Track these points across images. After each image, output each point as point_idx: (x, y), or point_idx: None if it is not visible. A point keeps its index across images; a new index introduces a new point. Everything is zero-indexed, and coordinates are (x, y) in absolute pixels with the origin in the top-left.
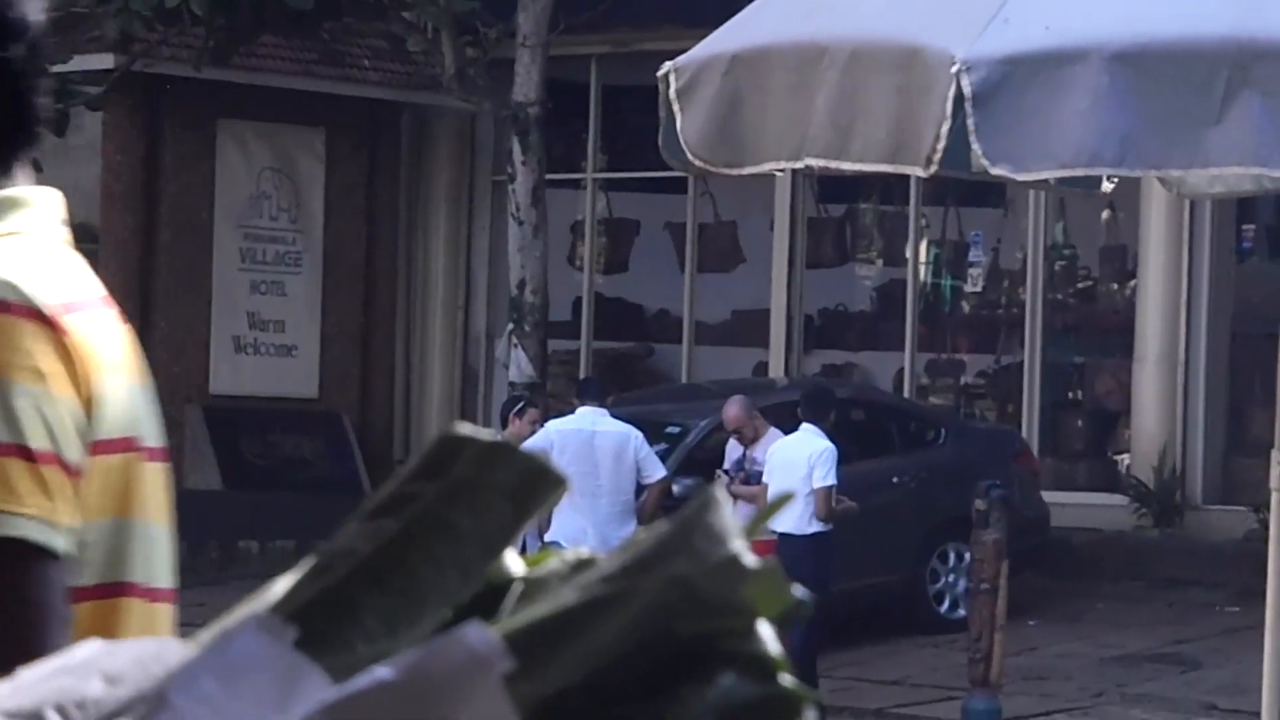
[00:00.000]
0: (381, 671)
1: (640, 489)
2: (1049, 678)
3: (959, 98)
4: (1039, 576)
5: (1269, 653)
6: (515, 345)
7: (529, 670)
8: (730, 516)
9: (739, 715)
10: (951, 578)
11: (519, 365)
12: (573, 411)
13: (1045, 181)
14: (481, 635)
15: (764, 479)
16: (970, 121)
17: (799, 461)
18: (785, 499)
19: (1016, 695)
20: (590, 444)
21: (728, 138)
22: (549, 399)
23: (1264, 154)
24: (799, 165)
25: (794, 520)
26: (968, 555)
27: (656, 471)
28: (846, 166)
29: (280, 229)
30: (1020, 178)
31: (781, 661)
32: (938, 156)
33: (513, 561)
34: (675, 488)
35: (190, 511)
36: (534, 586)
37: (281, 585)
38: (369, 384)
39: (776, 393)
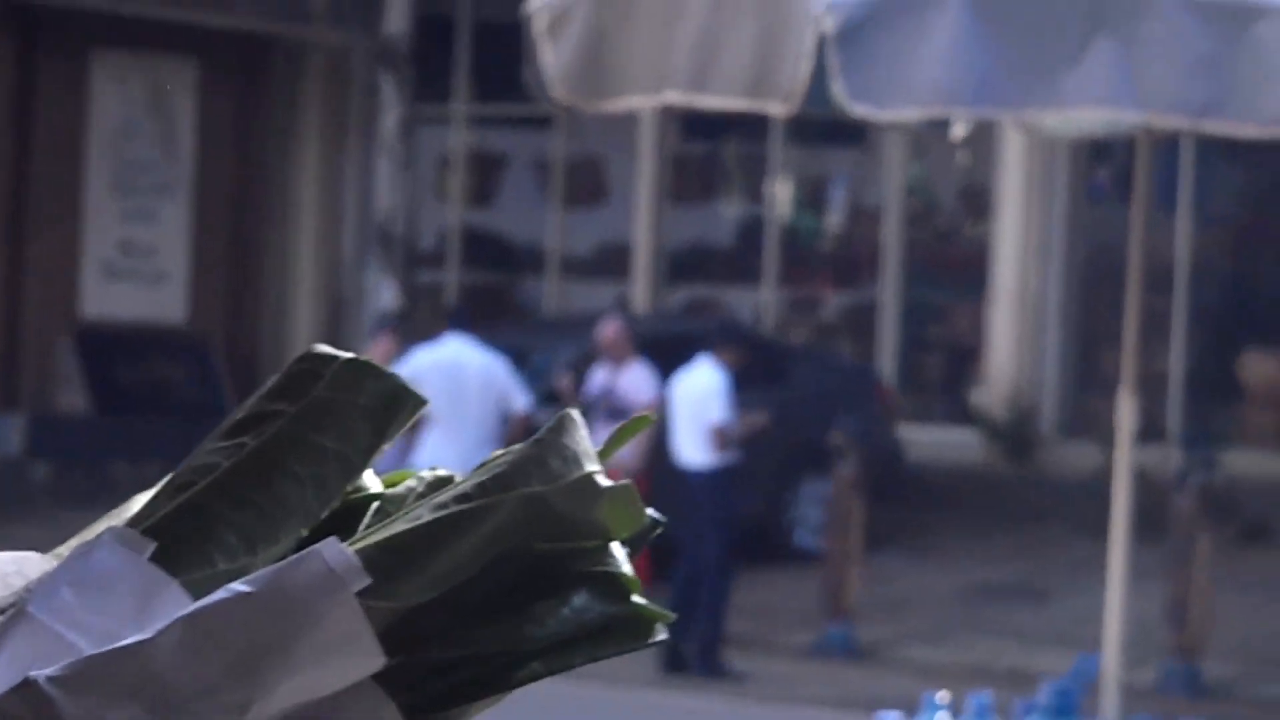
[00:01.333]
0: (238, 587)
1: (505, 418)
2: (903, 608)
3: (822, 38)
4: (894, 509)
5: (1111, 585)
6: (383, 276)
7: (384, 587)
8: (586, 439)
9: (592, 633)
10: (809, 510)
11: (386, 295)
12: (439, 340)
13: (897, 120)
14: (337, 552)
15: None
16: (834, 61)
17: (692, 396)
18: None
19: (871, 624)
20: (457, 373)
21: (592, 73)
22: (415, 329)
23: (1117, 95)
24: (659, 100)
25: (699, 453)
26: (826, 488)
27: (521, 400)
28: (707, 101)
29: (152, 158)
30: (881, 116)
31: (634, 581)
32: (798, 95)
33: (371, 480)
34: (540, 417)
35: (59, 435)
36: (391, 505)
37: (140, 501)
38: (239, 311)
39: (639, 325)
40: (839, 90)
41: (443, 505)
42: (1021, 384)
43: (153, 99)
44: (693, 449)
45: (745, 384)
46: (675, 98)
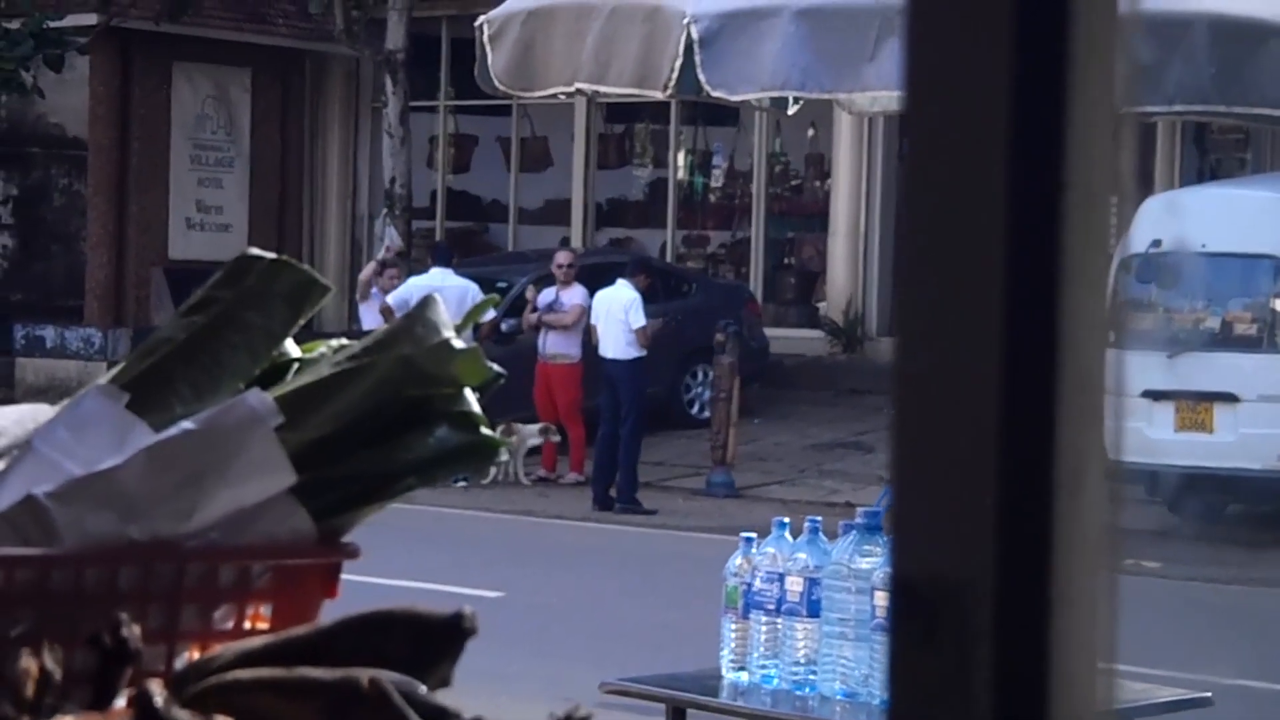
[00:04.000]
0: (186, 424)
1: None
2: (768, 459)
3: (689, 42)
4: (761, 388)
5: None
6: (388, 224)
7: (294, 423)
8: (444, 314)
9: (451, 455)
10: (699, 389)
11: (391, 239)
12: (427, 271)
13: (749, 101)
14: (259, 398)
15: (593, 320)
16: (698, 59)
17: (616, 308)
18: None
19: (745, 471)
20: (439, 293)
21: (524, 70)
22: (413, 262)
23: (900, 80)
24: (571, 89)
25: (618, 348)
26: (711, 373)
27: (488, 314)
28: (605, 89)
29: (219, 140)
30: (733, 98)
31: (481, 417)
32: (672, 84)
33: (292, 348)
34: (503, 326)
35: None
36: (307, 365)
37: (119, 365)
38: (283, 252)
39: (579, 257)
40: (702, 80)
41: (338, 364)
42: (853, 295)
43: (218, 98)
44: (613, 346)
45: (653, 299)
46: (583, 86)
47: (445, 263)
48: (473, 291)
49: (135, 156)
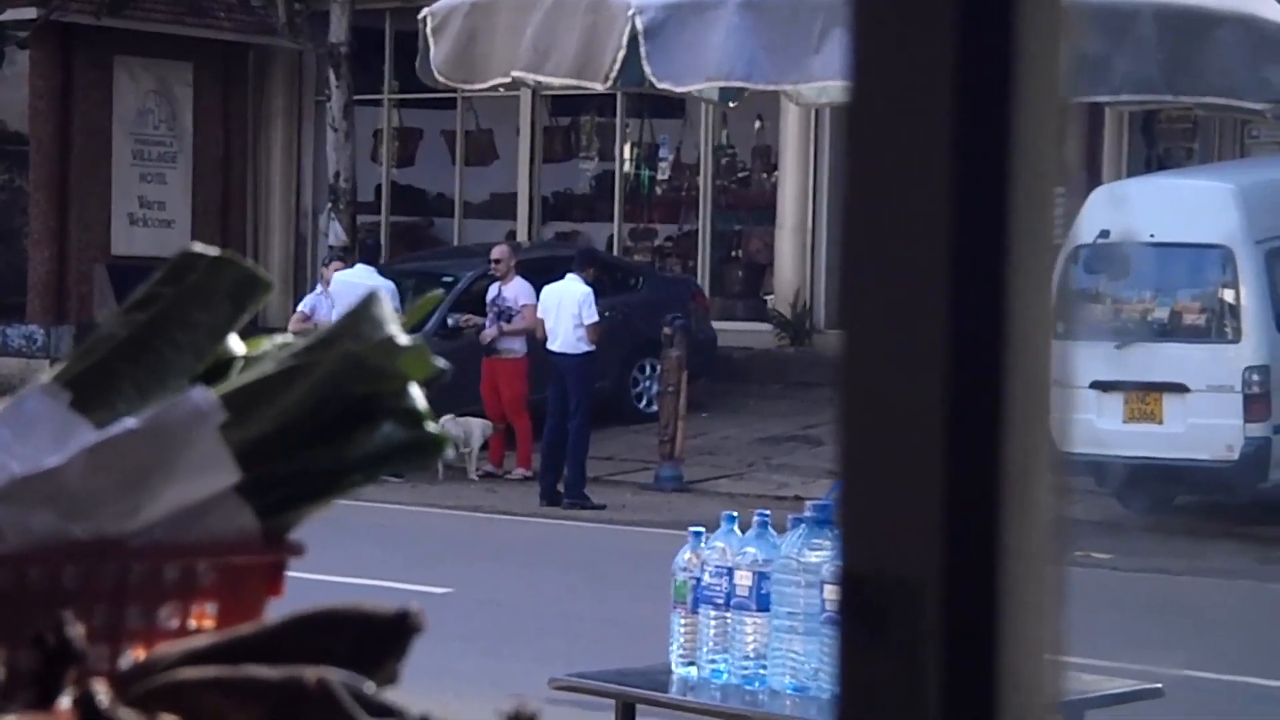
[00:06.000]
0: (129, 422)
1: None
2: (716, 453)
3: (634, 33)
4: (709, 382)
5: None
6: (333, 219)
7: (239, 420)
8: (389, 309)
9: (396, 452)
10: (647, 383)
11: (335, 233)
12: (354, 267)
13: (693, 93)
14: (203, 395)
15: (539, 314)
16: (643, 50)
17: (568, 303)
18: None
19: (693, 466)
20: (357, 290)
21: (464, 62)
22: (356, 258)
23: (845, 72)
24: (507, 79)
25: (568, 343)
26: (659, 367)
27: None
28: (543, 79)
29: (161, 135)
30: (678, 89)
31: (427, 413)
32: (613, 75)
33: (236, 344)
34: (449, 320)
35: None
36: (251, 363)
37: (62, 362)
38: (227, 247)
39: (522, 252)
40: (648, 71)
41: (283, 360)
42: (800, 288)
43: (160, 92)
44: (563, 340)
45: (600, 293)
46: (518, 75)
47: (371, 260)
48: (392, 289)
49: (77, 152)
